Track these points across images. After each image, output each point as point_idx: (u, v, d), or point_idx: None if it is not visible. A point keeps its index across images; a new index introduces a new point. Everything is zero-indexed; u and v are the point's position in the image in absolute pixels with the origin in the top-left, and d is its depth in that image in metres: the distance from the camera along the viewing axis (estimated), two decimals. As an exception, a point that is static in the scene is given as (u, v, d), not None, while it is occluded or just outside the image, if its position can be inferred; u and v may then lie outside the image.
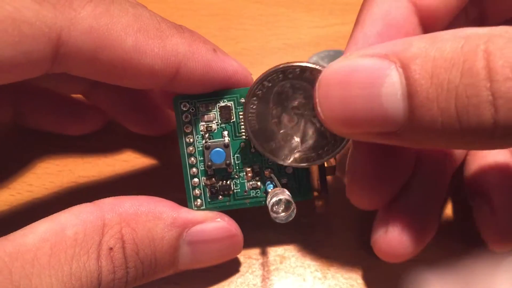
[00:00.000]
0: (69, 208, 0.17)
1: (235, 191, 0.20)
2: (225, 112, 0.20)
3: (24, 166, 0.25)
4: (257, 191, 0.20)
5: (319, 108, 0.16)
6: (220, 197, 0.20)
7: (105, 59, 0.16)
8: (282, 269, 0.22)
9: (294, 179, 0.20)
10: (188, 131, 0.20)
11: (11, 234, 0.16)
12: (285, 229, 0.23)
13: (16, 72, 0.16)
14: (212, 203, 0.20)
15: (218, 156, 0.20)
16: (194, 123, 0.20)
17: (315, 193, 0.21)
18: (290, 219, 0.18)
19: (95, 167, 0.25)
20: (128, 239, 0.17)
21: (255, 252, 0.22)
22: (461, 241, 0.22)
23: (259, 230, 0.23)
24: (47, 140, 0.26)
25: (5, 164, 0.25)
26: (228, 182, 0.20)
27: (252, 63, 0.29)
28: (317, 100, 0.17)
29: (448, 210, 0.23)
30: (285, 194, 0.18)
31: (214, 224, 0.19)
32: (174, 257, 0.19)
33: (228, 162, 0.20)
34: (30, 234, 0.16)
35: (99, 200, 0.18)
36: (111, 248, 0.17)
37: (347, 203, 0.23)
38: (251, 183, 0.20)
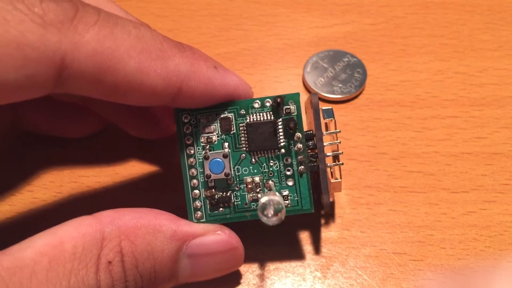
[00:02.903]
0: (68, 221, 0.17)
1: (235, 203, 0.20)
2: (225, 124, 0.20)
3: (24, 166, 0.25)
4: (258, 204, 0.19)
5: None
6: (221, 209, 0.20)
7: (108, 81, 0.17)
8: (282, 268, 0.22)
9: (296, 191, 0.20)
10: (189, 142, 0.20)
11: (8, 248, 0.16)
12: (285, 229, 0.23)
13: (19, 94, 0.16)
14: (212, 216, 0.20)
15: (217, 166, 0.19)
16: (195, 134, 0.20)
17: (323, 212, 0.21)
18: (279, 222, 0.18)
19: (96, 166, 0.25)
20: (127, 252, 0.17)
21: (255, 251, 0.22)
22: (461, 241, 0.22)
23: (259, 230, 0.23)
24: (47, 141, 0.26)
25: (5, 163, 0.25)
26: (228, 194, 0.20)
27: (252, 63, 0.29)
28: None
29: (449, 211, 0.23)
30: (276, 196, 0.18)
31: (214, 237, 0.19)
32: (173, 270, 0.18)
33: (227, 172, 0.20)
34: (28, 249, 0.16)
35: (99, 213, 0.18)
36: (110, 262, 0.17)
37: (347, 203, 0.23)
38: (251, 195, 0.20)
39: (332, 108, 0.21)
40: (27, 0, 0.15)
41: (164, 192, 0.24)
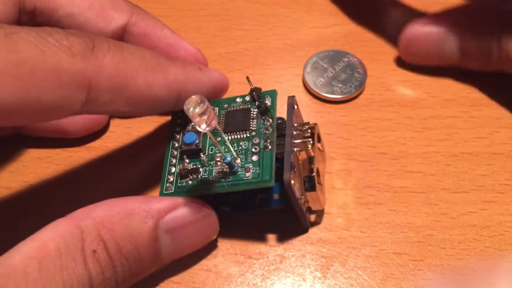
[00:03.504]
0: (45, 226, 0.18)
1: (203, 176, 0.21)
2: None
3: (24, 166, 0.25)
4: (224, 177, 0.20)
5: (405, 58, 0.28)
6: (190, 181, 0.21)
7: (123, 97, 0.19)
8: (282, 269, 0.22)
9: (259, 165, 0.20)
10: (177, 130, 0.22)
11: None
12: (285, 229, 0.23)
13: (54, 114, 0.18)
14: (180, 187, 0.21)
15: (189, 137, 0.21)
16: (183, 125, 0.22)
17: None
18: (213, 123, 0.19)
19: (96, 166, 0.25)
20: (108, 239, 0.18)
21: (255, 252, 0.22)
22: (461, 241, 0.22)
23: (259, 229, 0.23)
24: (47, 141, 0.26)
25: (5, 163, 0.25)
26: (198, 166, 0.21)
27: (252, 63, 0.29)
28: (401, 53, 0.28)
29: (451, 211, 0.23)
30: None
31: (185, 208, 0.20)
32: (156, 249, 0.19)
33: (197, 142, 0.21)
34: (15, 255, 0.16)
35: (70, 213, 0.18)
36: (94, 251, 0.17)
37: (347, 203, 0.23)
38: (218, 168, 0.21)
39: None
40: (56, 35, 0.17)
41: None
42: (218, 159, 0.21)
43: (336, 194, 0.24)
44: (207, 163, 0.21)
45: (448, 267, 0.21)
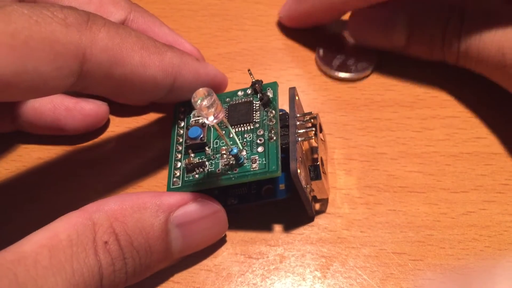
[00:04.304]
0: (58, 218, 0.18)
1: (209, 169, 0.21)
2: None
3: (24, 165, 0.25)
4: (230, 170, 0.21)
5: (354, 38, 0.28)
6: (196, 175, 0.21)
7: (118, 73, 0.19)
8: (282, 268, 0.22)
9: (264, 156, 0.21)
10: (181, 125, 0.23)
11: (7, 247, 0.17)
12: (285, 229, 0.23)
13: (50, 87, 0.18)
14: (187, 181, 0.21)
15: (194, 131, 0.22)
16: (187, 120, 0.23)
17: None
18: (219, 115, 0.19)
19: (96, 166, 0.25)
20: (120, 231, 0.18)
21: (255, 251, 0.22)
22: (460, 240, 0.22)
23: (259, 229, 0.23)
24: (47, 141, 0.26)
25: (5, 163, 0.25)
26: (204, 160, 0.21)
27: (252, 63, 0.29)
28: (351, 33, 0.28)
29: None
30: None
31: (196, 203, 0.20)
32: (167, 243, 0.19)
33: (202, 136, 0.21)
34: (27, 243, 0.17)
35: (84, 206, 0.19)
36: (106, 242, 0.18)
37: (346, 203, 0.23)
38: (224, 160, 0.21)
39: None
40: (51, 8, 0.18)
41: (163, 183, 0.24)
42: (224, 151, 0.21)
43: (336, 194, 0.24)
44: (213, 157, 0.21)
45: (447, 267, 0.21)
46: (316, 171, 0.21)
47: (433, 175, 0.24)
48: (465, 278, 0.21)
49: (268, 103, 0.22)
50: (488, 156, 0.24)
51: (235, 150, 0.20)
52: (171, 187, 0.21)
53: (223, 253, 0.22)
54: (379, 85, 0.28)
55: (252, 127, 0.22)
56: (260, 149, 0.21)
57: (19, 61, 0.16)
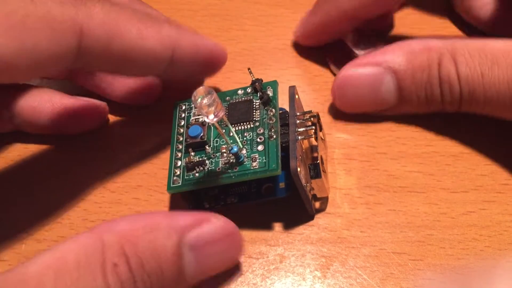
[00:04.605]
0: (67, 238, 0.17)
1: (209, 168, 0.21)
2: None
3: (24, 166, 0.25)
4: (230, 168, 0.21)
5: (337, 102, 0.26)
6: (197, 174, 0.21)
7: (116, 48, 0.20)
8: (282, 268, 0.22)
9: (264, 154, 0.21)
10: (181, 124, 0.23)
11: (12, 268, 0.16)
12: (285, 229, 0.23)
13: (50, 65, 0.18)
14: (188, 180, 0.21)
15: (194, 130, 0.22)
16: (187, 118, 0.23)
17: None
18: (219, 114, 0.19)
19: (95, 166, 0.25)
20: (130, 253, 0.17)
21: (255, 251, 0.22)
22: (460, 240, 0.22)
23: (259, 229, 0.23)
24: (47, 140, 0.26)
25: (5, 163, 0.25)
26: (204, 158, 0.21)
27: (252, 63, 0.29)
28: (335, 97, 0.26)
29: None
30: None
31: (210, 225, 0.19)
32: (179, 267, 0.18)
33: (202, 135, 0.22)
34: (32, 264, 0.16)
35: (94, 226, 0.18)
36: (115, 264, 0.17)
37: (346, 203, 0.23)
38: (224, 159, 0.21)
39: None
40: None
41: (162, 182, 0.24)
42: (224, 150, 0.21)
43: (336, 194, 0.24)
44: (213, 155, 0.21)
45: (447, 266, 0.21)
46: (316, 170, 0.21)
47: (433, 175, 0.24)
48: (465, 278, 0.21)
49: (268, 102, 0.22)
50: (488, 156, 0.24)
51: (235, 149, 0.20)
52: (171, 185, 0.21)
53: (223, 253, 0.22)
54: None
55: (252, 125, 0.22)
56: (260, 147, 0.21)
57: (17, 41, 0.17)
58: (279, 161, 0.20)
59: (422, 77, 0.23)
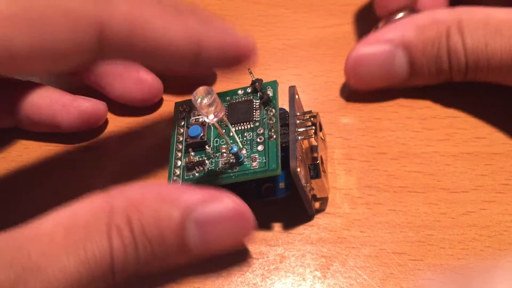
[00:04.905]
0: (82, 197, 0.18)
1: (209, 168, 0.21)
2: None
3: (24, 165, 0.25)
4: (230, 168, 0.21)
5: (351, 81, 0.27)
6: (196, 174, 0.21)
7: (140, 40, 0.19)
8: (282, 268, 0.22)
9: (264, 154, 0.21)
10: (181, 124, 0.23)
11: (28, 223, 0.17)
12: (285, 229, 0.23)
13: (70, 58, 0.18)
14: (187, 179, 0.21)
15: (194, 130, 0.22)
16: (187, 118, 0.23)
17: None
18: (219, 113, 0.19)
19: (96, 165, 0.25)
20: (134, 219, 0.18)
21: (255, 251, 0.22)
22: (460, 240, 0.22)
23: (259, 229, 0.23)
24: (47, 140, 0.26)
25: (5, 163, 0.25)
26: (204, 158, 0.21)
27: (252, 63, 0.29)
28: (349, 76, 0.26)
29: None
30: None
31: (221, 203, 0.19)
32: (182, 238, 0.19)
33: (202, 135, 0.22)
34: (46, 221, 0.17)
35: (108, 189, 0.19)
36: (119, 228, 0.18)
37: (346, 203, 0.23)
38: (224, 159, 0.21)
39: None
40: None
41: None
42: (224, 150, 0.21)
43: (336, 194, 0.24)
44: (213, 155, 0.21)
45: (447, 266, 0.21)
46: (316, 170, 0.21)
47: (433, 175, 0.24)
48: (465, 278, 0.21)
49: (268, 102, 0.22)
50: (488, 156, 0.24)
51: (235, 149, 0.20)
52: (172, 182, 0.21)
53: (223, 253, 0.22)
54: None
55: (252, 125, 0.22)
56: (260, 147, 0.21)
57: (35, 34, 0.17)
58: (279, 161, 0.20)
59: (433, 50, 0.24)
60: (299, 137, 0.21)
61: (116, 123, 0.27)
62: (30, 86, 0.25)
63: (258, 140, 0.21)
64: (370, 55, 0.25)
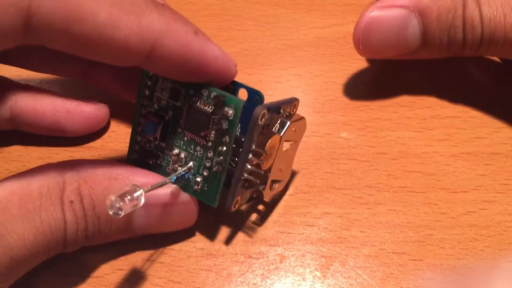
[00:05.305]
0: (34, 167, 0.19)
1: (162, 163, 0.21)
2: (174, 94, 0.21)
3: (24, 165, 0.25)
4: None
5: (360, 48, 0.25)
6: (150, 162, 0.21)
7: (78, 32, 0.17)
8: (282, 268, 0.22)
9: (207, 182, 0.20)
10: (146, 94, 0.21)
11: None
12: (285, 229, 0.23)
13: None
14: (143, 162, 0.22)
15: (149, 128, 0.21)
16: (151, 92, 0.21)
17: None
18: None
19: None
20: (85, 194, 0.19)
21: (255, 251, 0.22)
22: (460, 240, 0.22)
23: (259, 229, 0.23)
24: (47, 140, 0.26)
25: (5, 164, 0.25)
26: (158, 154, 0.21)
27: (252, 63, 0.29)
28: (359, 42, 0.25)
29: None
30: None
31: (167, 189, 0.20)
32: (128, 217, 0.20)
33: (156, 137, 0.21)
34: None
35: (62, 161, 0.19)
36: (71, 201, 0.18)
37: (346, 203, 0.23)
38: (174, 165, 0.21)
39: (288, 123, 0.20)
40: None
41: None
42: (174, 157, 0.21)
43: (336, 194, 0.24)
44: (167, 151, 0.21)
45: (447, 266, 0.21)
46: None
47: (433, 175, 0.24)
48: (465, 278, 0.21)
49: (225, 130, 0.19)
50: (488, 156, 0.24)
51: (173, 180, 0.20)
52: (130, 156, 0.22)
53: (223, 253, 0.22)
54: (379, 85, 0.28)
55: (204, 143, 0.20)
56: (205, 172, 0.20)
57: None
58: (218, 196, 0.20)
59: (447, 19, 0.23)
60: (246, 174, 0.20)
61: (117, 123, 0.27)
62: (30, 90, 0.25)
63: (206, 163, 0.20)
64: (384, 20, 0.24)
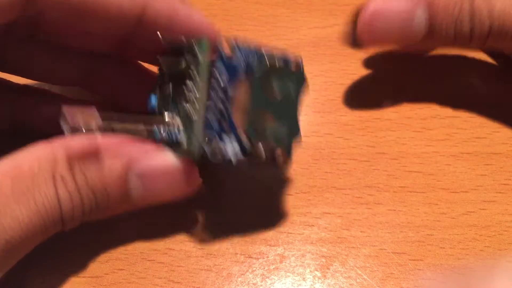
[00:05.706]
0: (24, 148, 0.18)
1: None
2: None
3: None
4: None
5: (364, 38, 0.25)
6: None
7: None
8: (282, 268, 0.22)
9: (187, 134, 0.19)
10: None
11: None
12: (285, 229, 0.23)
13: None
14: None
15: (151, 100, 0.21)
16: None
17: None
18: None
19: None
20: (77, 170, 0.18)
21: (255, 251, 0.22)
22: (460, 240, 0.22)
23: (259, 229, 0.23)
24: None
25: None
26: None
27: (252, 63, 0.29)
28: (363, 32, 0.24)
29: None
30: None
31: (163, 156, 0.19)
32: (125, 189, 0.19)
33: (155, 109, 0.21)
34: None
35: (52, 139, 0.19)
36: (63, 178, 0.18)
37: (346, 203, 0.23)
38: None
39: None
40: None
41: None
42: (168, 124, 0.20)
43: (336, 194, 0.24)
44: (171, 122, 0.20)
45: (447, 266, 0.21)
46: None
47: (433, 175, 0.24)
48: (465, 278, 0.21)
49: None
50: (488, 156, 0.24)
51: (157, 134, 0.19)
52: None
53: (223, 253, 0.22)
54: (379, 84, 0.28)
55: (187, 98, 0.20)
56: (185, 125, 0.20)
57: None
58: (195, 143, 0.19)
59: (454, 11, 0.22)
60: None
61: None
62: (32, 93, 0.25)
63: (187, 116, 0.19)
64: (390, 10, 0.23)
